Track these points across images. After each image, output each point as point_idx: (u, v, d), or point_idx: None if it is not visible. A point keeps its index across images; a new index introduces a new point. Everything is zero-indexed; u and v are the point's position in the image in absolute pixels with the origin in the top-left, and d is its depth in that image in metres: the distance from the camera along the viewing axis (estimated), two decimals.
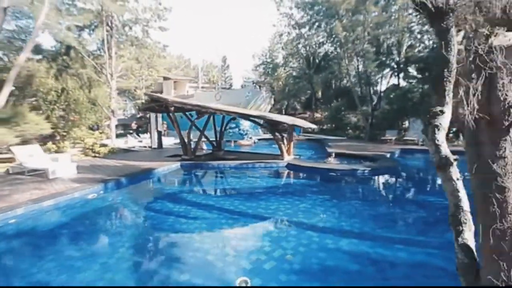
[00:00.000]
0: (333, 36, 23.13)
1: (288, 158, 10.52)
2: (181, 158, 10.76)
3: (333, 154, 10.28)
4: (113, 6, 15.13)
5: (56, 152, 15.74)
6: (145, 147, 16.42)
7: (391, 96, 19.81)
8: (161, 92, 26.80)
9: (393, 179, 9.00)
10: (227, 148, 15.19)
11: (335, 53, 25.00)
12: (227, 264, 3.99)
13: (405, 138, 17.25)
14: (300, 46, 28.09)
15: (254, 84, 20.98)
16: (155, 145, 15.34)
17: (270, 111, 34.95)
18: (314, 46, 28.18)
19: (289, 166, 9.82)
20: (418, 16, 22.59)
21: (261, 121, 10.64)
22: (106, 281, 3.51)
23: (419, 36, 22.82)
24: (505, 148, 1.28)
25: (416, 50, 22.88)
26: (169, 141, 17.97)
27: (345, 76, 22.42)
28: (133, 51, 18.57)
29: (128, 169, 8.80)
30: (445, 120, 1.65)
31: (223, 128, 13.02)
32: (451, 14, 1.39)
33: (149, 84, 25.80)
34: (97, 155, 15.15)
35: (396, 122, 19.79)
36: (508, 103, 1.26)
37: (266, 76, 36.38)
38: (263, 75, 36.33)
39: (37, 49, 16.68)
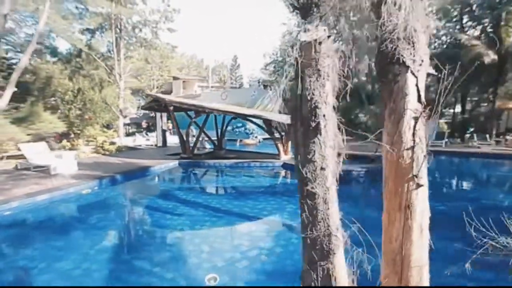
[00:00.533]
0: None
1: (285, 157, 10.51)
2: (180, 157, 11.01)
3: None
4: (121, 9, 15.67)
5: (70, 149, 16.56)
6: (151, 145, 16.89)
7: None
8: (171, 92, 27.43)
9: None
10: (232, 147, 15.37)
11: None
12: (200, 260, 4.07)
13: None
14: None
15: (259, 84, 20.95)
16: (160, 144, 15.76)
17: (280, 111, 34.70)
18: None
19: (285, 165, 9.82)
20: (434, 11, 21.84)
21: (255, 120, 10.68)
22: (83, 270, 3.71)
23: (434, 32, 22.03)
24: (314, 151, 1.26)
25: (432, 46, 22.13)
26: (176, 140, 18.41)
27: (355, 74, 22.01)
28: (142, 52, 19.14)
29: (126, 167, 9.13)
30: None
31: (224, 127, 13.20)
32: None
33: (161, 84, 26.44)
34: (106, 152, 15.76)
35: None
36: (314, 103, 1.25)
37: (276, 75, 36.29)
38: (272, 74, 36.28)
39: (53, 52, 17.53)
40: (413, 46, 1.25)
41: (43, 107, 19.67)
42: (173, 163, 10.28)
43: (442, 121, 26.95)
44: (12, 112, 15.57)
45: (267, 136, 21.46)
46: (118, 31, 16.37)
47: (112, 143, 16.87)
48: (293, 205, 6.70)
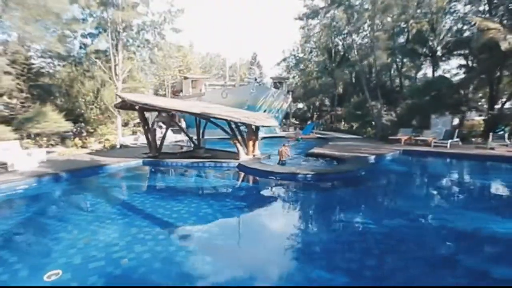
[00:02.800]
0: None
1: (245, 158, 10.04)
2: (147, 156, 11.14)
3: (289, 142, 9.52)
4: (118, 13, 16.34)
5: (82, 147, 17.89)
6: (145, 143, 17.44)
7: (405, 90, 17.24)
8: (181, 90, 28.19)
9: (337, 188, 7.79)
10: (219, 145, 15.22)
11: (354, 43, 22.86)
12: (66, 255, 4.06)
13: (417, 138, 14.88)
14: (322, 39, 26.40)
15: (257, 81, 20.32)
16: None
17: (298, 108, 33.76)
18: (338, 38, 26.20)
19: (239, 166, 9.36)
20: None
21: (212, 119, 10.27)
22: None
23: (461, 16, 19.31)
24: None
25: (454, 33, 19.47)
26: (174, 138, 18.92)
27: (365, 69, 20.39)
28: (144, 53, 19.87)
29: (84, 165, 9.50)
30: None
31: (200, 126, 13.11)
32: None
33: (172, 83, 27.28)
34: (107, 149, 16.67)
35: (418, 119, 17.15)
36: None
37: (295, 72, 35.20)
38: (286, 70, 35.23)
39: (61, 56, 19.01)
40: None
41: (71, 108, 21.83)
42: (135, 162, 10.42)
43: (479, 118, 23.82)
44: (21, 112, 17.34)
45: (267, 135, 21.00)
46: (117, 33, 17.12)
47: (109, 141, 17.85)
48: (210, 210, 6.28)
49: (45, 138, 17.49)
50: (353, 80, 23.55)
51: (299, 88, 33.64)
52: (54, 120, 16.66)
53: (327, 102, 33.50)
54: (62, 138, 18.67)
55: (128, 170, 9.81)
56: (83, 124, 21.75)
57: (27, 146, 15.75)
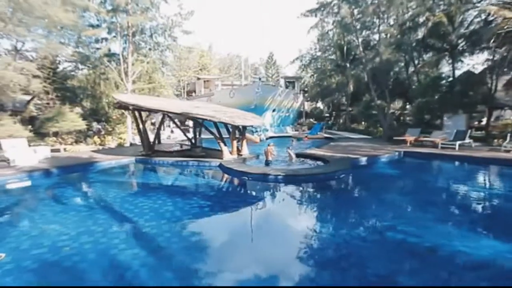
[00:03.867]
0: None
1: (229, 157, 10.08)
2: (140, 154, 11.62)
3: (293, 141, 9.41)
4: (128, 18, 17.19)
5: (100, 144, 19.14)
6: None
7: (413, 87, 16.11)
8: (194, 91, 28.96)
9: (304, 191, 7.47)
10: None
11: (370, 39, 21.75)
12: (18, 241, 4.44)
13: (424, 139, 13.85)
14: (336, 37, 25.52)
15: (261, 80, 20.03)
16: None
17: (314, 107, 33.10)
18: (352, 35, 25.18)
19: (221, 166, 9.42)
20: None
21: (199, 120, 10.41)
22: None
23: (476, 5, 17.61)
24: None
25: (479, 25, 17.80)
26: (182, 137, 19.49)
27: (375, 66, 19.36)
28: (154, 55, 20.66)
29: (78, 162, 10.16)
30: None
31: (196, 126, 13.38)
32: None
33: (187, 83, 28.15)
34: (117, 147, 17.68)
35: (430, 118, 15.95)
36: None
37: (311, 70, 34.44)
38: (300, 68, 34.51)
39: (81, 60, 20.41)
40: None
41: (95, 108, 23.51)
42: (129, 160, 10.92)
43: None
44: (45, 112, 18.91)
45: (275, 134, 20.86)
46: (127, 37, 18.02)
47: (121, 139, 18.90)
48: (172, 207, 6.41)
49: (68, 136, 18.94)
50: (365, 78, 22.55)
51: (316, 87, 32.89)
52: (71, 119, 17.98)
53: (344, 101, 32.42)
54: (85, 136, 20.09)
55: (115, 168, 10.26)
56: (104, 123, 23.18)
57: (52, 144, 17.23)
